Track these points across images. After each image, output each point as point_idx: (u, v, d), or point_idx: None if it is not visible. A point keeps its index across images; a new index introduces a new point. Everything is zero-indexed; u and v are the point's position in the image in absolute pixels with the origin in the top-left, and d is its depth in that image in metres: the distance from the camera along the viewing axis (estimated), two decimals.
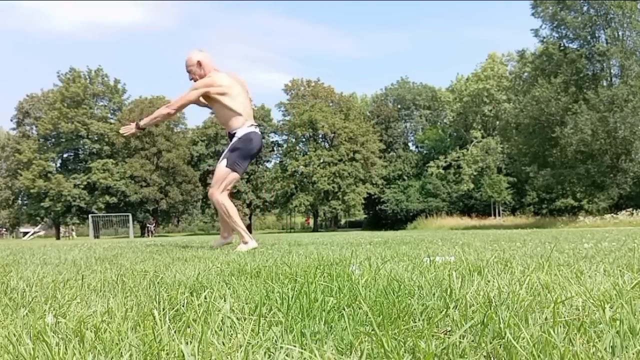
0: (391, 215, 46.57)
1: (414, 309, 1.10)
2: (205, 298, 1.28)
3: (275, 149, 49.64)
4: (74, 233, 45.04)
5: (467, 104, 47.46)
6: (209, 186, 4.80)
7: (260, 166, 48.20)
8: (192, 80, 4.60)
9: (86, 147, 43.13)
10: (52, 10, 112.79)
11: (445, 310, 1.07)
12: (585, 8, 29.15)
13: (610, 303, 1.13)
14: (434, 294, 1.28)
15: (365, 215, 53.81)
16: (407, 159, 49.20)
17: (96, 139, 43.27)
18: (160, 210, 44.77)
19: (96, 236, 37.78)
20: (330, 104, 48.26)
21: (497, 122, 42.56)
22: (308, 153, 45.59)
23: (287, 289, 1.36)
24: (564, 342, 0.81)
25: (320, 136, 47.12)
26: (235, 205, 4.73)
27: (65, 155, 44.89)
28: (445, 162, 46.79)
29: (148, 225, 41.02)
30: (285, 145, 48.54)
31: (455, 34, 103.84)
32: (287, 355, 0.77)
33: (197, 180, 45.33)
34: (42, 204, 41.19)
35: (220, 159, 4.65)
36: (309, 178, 44.20)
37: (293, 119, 46.64)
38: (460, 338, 0.83)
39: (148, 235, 38.78)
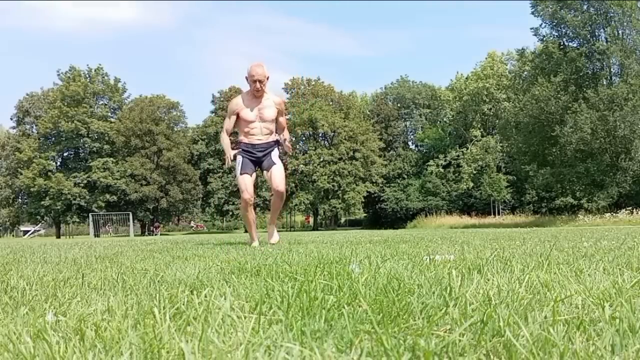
0: (391, 213, 46.58)
1: (414, 307, 1.10)
2: (206, 296, 1.29)
3: None
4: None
5: (466, 103, 47.43)
6: (272, 185, 5.31)
7: None
8: (257, 91, 5.04)
9: (86, 145, 43.13)
10: (52, 9, 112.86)
11: (444, 308, 1.07)
12: (585, 7, 29.12)
13: (610, 301, 1.13)
14: (433, 292, 1.28)
15: (365, 214, 53.80)
16: (406, 157, 49.18)
17: (96, 137, 43.27)
18: (161, 209, 44.76)
19: (96, 235, 37.81)
20: (330, 103, 48.23)
21: (497, 121, 42.52)
22: (308, 152, 45.58)
23: (287, 288, 1.37)
24: (563, 340, 0.81)
25: (320, 135, 47.12)
26: (237, 204, 4.75)
27: (65, 154, 44.90)
28: (445, 160, 46.77)
29: (153, 226, 41.28)
30: None
31: (455, 33, 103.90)
32: (287, 354, 0.77)
33: (197, 179, 45.27)
34: (42, 202, 41.21)
35: (276, 160, 5.25)
36: (309, 177, 44.20)
37: (293, 118, 46.62)
38: (459, 336, 0.83)
39: (157, 234, 39.21)
